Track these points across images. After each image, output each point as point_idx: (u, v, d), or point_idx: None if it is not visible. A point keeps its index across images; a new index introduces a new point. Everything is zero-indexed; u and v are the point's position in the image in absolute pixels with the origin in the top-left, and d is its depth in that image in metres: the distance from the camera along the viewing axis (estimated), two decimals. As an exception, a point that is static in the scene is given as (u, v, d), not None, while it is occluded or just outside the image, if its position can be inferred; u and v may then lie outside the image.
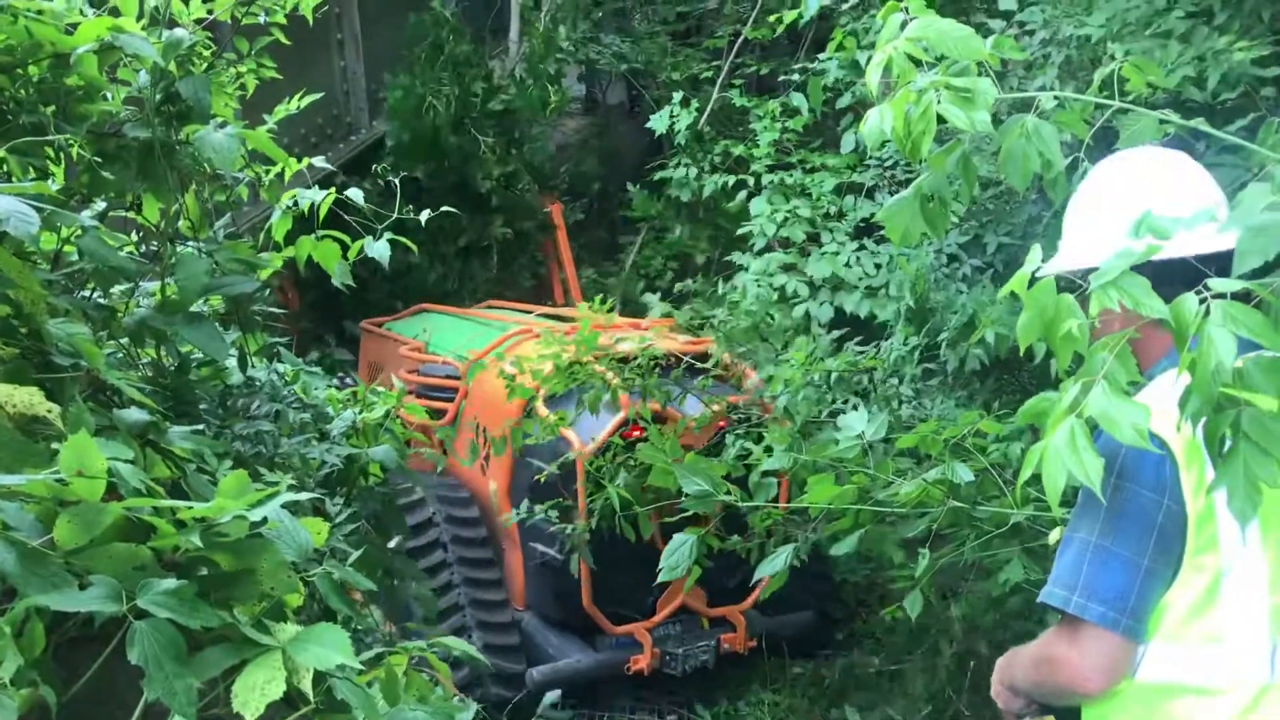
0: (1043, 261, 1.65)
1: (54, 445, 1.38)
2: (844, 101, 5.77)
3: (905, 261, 5.13)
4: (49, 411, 1.50)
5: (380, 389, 3.23)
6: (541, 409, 4.53)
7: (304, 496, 1.41)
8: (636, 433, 4.32)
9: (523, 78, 8.34)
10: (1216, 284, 1.51)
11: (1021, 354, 1.78)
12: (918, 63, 2.00)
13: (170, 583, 1.19)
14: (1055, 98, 2.16)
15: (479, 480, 5.51)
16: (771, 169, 6.83)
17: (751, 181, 6.87)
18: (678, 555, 3.14)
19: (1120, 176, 1.98)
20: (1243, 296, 1.49)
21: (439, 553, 5.34)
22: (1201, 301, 1.48)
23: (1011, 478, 3.22)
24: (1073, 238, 2.02)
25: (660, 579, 3.14)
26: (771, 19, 5.32)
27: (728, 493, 3.15)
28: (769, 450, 3.68)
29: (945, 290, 4.94)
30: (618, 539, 3.80)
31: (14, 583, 1.12)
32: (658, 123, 7.52)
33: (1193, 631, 1.76)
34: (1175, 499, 1.73)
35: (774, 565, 3.18)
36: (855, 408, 3.96)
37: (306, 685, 1.24)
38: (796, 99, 6.61)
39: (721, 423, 4.52)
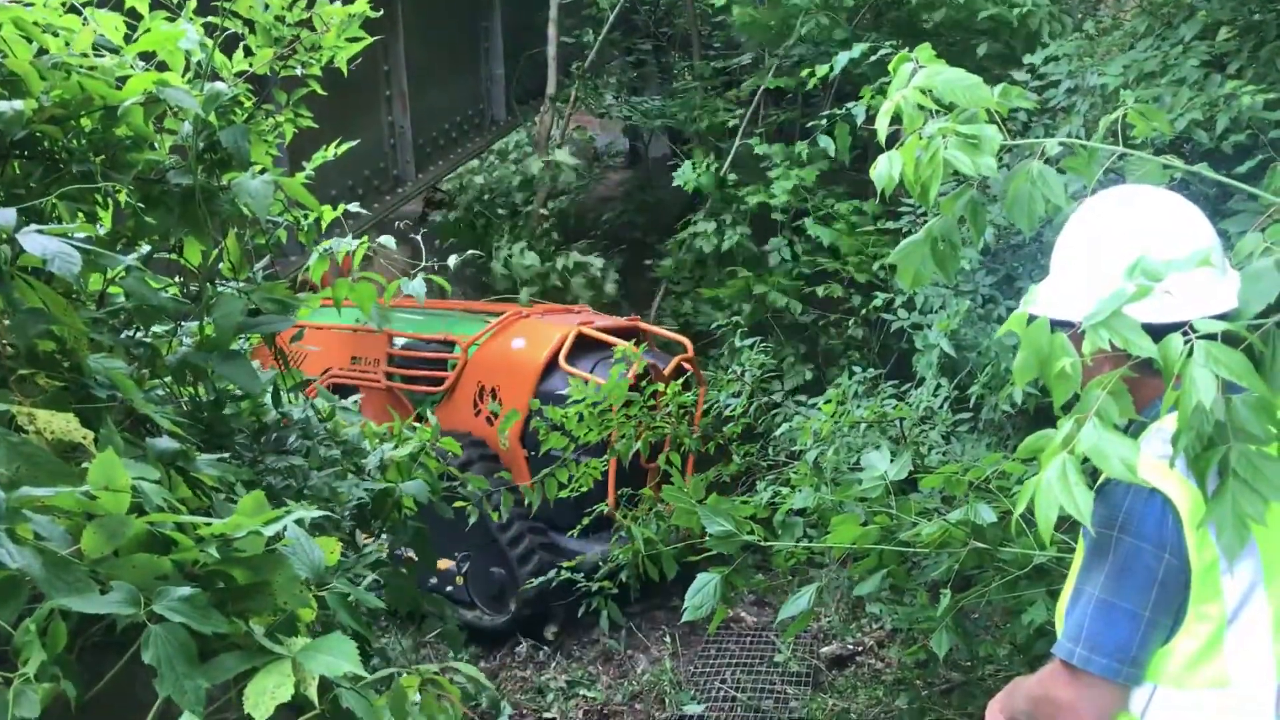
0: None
1: (86, 466, 1.47)
2: None
3: (944, 320, 5.17)
4: (84, 438, 1.59)
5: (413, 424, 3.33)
6: (565, 366, 6.05)
7: (315, 513, 1.48)
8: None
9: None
10: (1203, 325, 1.56)
11: (1016, 391, 1.82)
12: (928, 110, 2.06)
13: (185, 590, 1.27)
14: (1060, 143, 2.21)
15: (481, 430, 6.59)
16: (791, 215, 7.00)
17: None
18: (701, 595, 3.19)
19: (1115, 218, 1.95)
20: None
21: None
22: (1186, 342, 1.52)
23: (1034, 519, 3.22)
24: (1066, 279, 1.99)
25: (685, 618, 3.20)
26: (804, 73, 5.45)
27: (750, 533, 3.20)
28: (792, 487, 3.74)
29: (980, 330, 4.97)
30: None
31: (40, 586, 1.21)
32: (682, 176, 7.68)
33: (1198, 677, 1.79)
34: (1177, 554, 1.76)
35: (797, 605, 3.21)
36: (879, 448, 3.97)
37: (313, 692, 1.31)
38: (824, 142, 6.71)
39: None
